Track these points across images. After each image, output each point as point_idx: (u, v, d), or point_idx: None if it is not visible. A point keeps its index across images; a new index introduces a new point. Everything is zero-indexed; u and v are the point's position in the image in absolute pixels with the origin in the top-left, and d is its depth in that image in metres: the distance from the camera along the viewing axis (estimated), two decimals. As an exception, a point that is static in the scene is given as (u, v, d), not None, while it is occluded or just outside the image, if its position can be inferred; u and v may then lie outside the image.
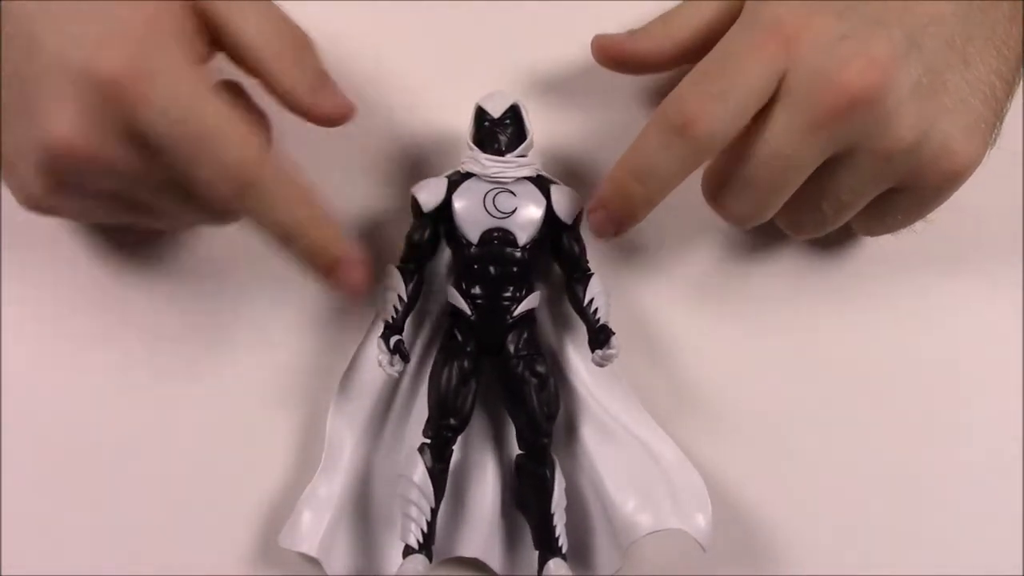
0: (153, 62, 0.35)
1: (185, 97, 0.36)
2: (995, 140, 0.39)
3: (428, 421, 0.41)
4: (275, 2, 0.40)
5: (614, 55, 0.43)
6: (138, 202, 0.38)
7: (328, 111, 0.40)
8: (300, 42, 0.40)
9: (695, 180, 0.45)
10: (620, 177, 0.39)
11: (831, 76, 0.36)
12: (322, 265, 0.38)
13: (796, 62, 0.37)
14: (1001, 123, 0.39)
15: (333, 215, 0.38)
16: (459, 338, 0.41)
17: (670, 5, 0.43)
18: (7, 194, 0.39)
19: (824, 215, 0.40)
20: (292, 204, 0.37)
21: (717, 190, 0.40)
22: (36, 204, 0.38)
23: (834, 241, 0.45)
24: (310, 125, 0.45)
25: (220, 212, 0.39)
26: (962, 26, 0.38)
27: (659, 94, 0.45)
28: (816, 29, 0.37)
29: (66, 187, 0.37)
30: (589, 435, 0.43)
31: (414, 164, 0.45)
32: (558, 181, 0.42)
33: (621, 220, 0.40)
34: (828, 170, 0.38)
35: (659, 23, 0.42)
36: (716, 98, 0.37)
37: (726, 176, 0.39)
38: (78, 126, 0.35)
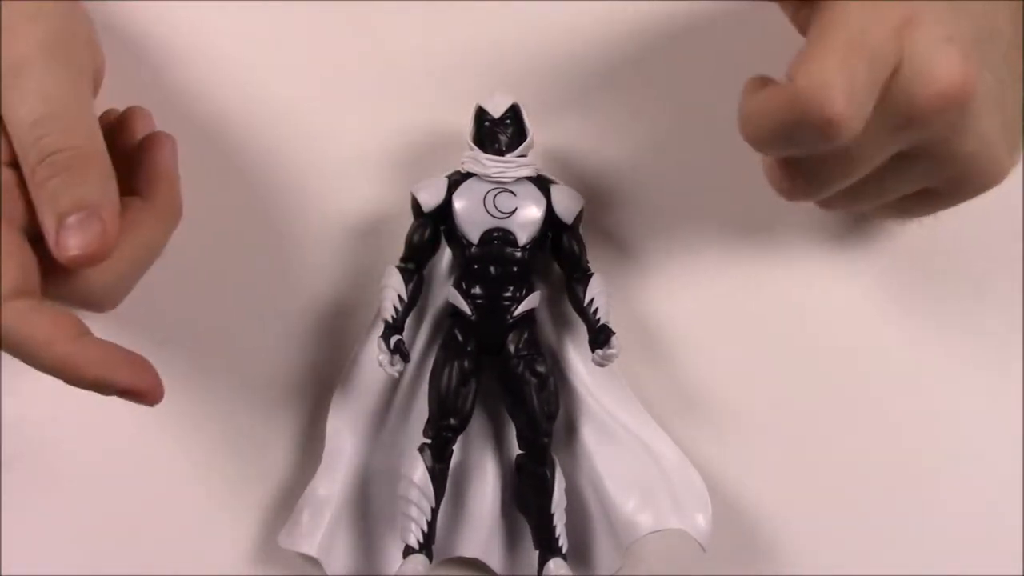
0: None
1: None
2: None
3: (428, 421, 0.41)
4: None
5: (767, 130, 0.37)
6: None
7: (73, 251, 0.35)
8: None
9: (697, 180, 0.45)
10: (748, 133, 0.35)
11: (934, 75, 0.34)
12: (108, 392, 0.36)
13: (908, 51, 0.34)
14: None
15: (93, 343, 0.35)
16: (459, 338, 0.41)
17: (671, 5, 0.44)
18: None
19: (860, 196, 0.39)
20: (34, 347, 0.34)
21: (789, 169, 0.37)
22: None
23: (838, 242, 0.45)
24: (309, 125, 0.45)
25: None
26: (1012, 41, 0.37)
27: (660, 93, 0.45)
28: (927, 22, 0.34)
29: None
30: (589, 435, 0.43)
31: (414, 164, 0.45)
32: (558, 181, 0.42)
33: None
34: (887, 163, 0.37)
35: None
36: (856, 95, 0.33)
37: (801, 157, 0.37)
38: None
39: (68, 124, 0.36)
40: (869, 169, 0.37)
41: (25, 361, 0.35)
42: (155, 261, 0.39)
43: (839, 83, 0.33)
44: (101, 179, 0.36)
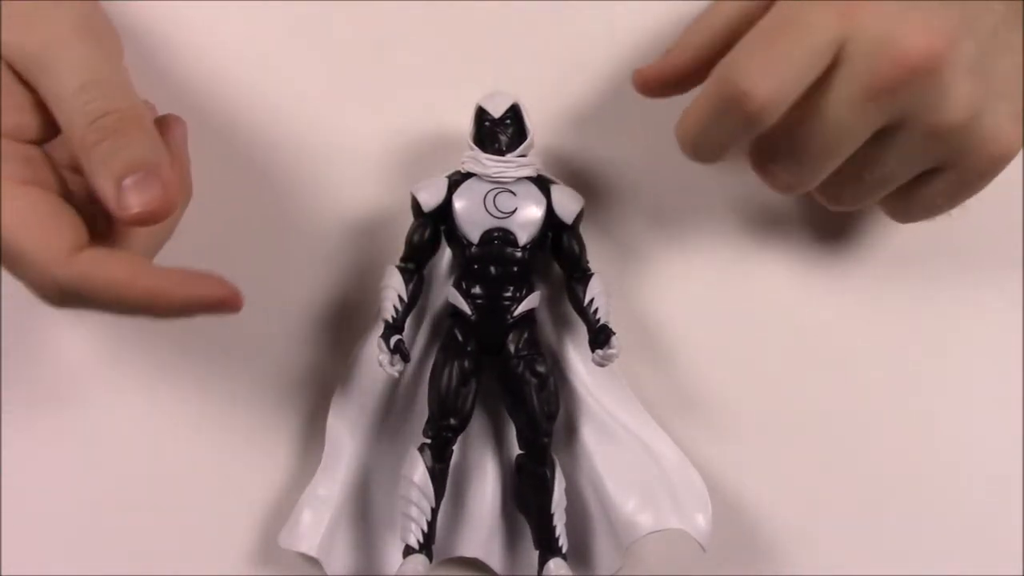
0: None
1: None
2: None
3: (428, 421, 0.41)
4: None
5: (655, 80, 0.41)
6: None
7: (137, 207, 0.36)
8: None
9: (697, 180, 0.45)
10: (680, 137, 0.38)
11: (893, 43, 0.35)
12: (196, 311, 0.36)
13: (857, 29, 0.35)
14: None
15: (159, 271, 0.36)
16: (459, 338, 0.41)
17: (671, 4, 0.44)
18: None
19: (865, 186, 0.39)
20: (118, 289, 0.35)
21: (764, 157, 0.39)
22: None
23: (838, 242, 0.45)
24: (309, 126, 0.45)
25: None
26: (1005, 14, 0.37)
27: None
28: None
29: None
30: (589, 435, 0.43)
31: (414, 164, 0.45)
32: (558, 181, 0.42)
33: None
34: (876, 141, 0.38)
35: (693, 26, 0.41)
36: (772, 69, 0.35)
37: (775, 143, 0.38)
38: None
39: (111, 89, 0.36)
40: (851, 147, 0.37)
41: (109, 309, 0.35)
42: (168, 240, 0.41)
43: (753, 63, 0.35)
44: (150, 140, 0.36)
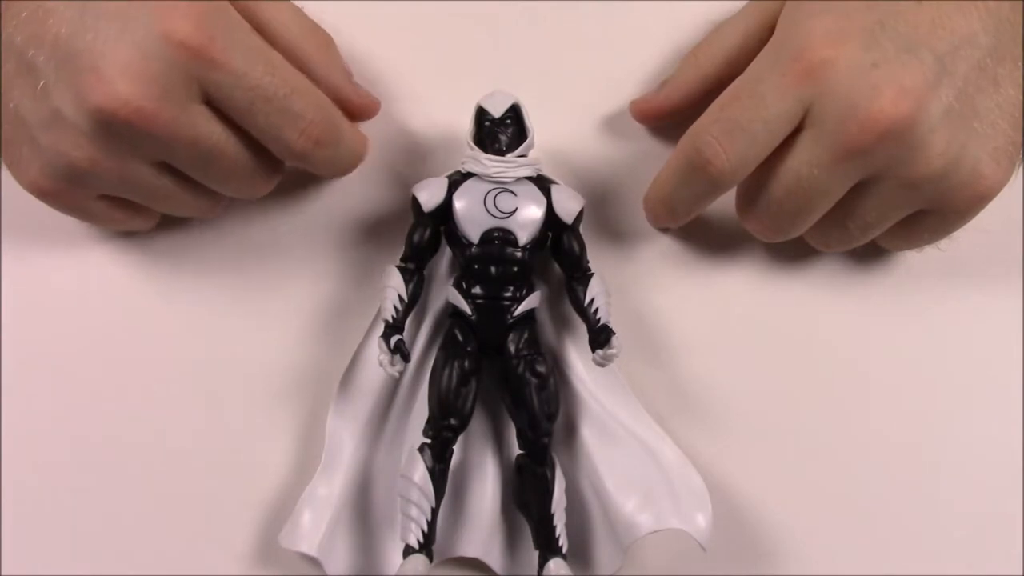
0: (222, 28, 0.36)
1: (261, 62, 0.37)
2: (1022, 161, 0.39)
3: (428, 421, 0.41)
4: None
5: (652, 114, 0.43)
6: (153, 186, 0.39)
7: (364, 102, 0.43)
8: (328, 40, 0.42)
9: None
10: (650, 201, 0.42)
11: (860, 107, 0.35)
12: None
13: (824, 92, 0.36)
14: None
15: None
16: (459, 338, 0.41)
17: (671, 4, 0.44)
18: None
19: (850, 234, 0.40)
20: (357, 146, 0.41)
21: (747, 207, 0.41)
22: (54, 181, 0.38)
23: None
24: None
25: (248, 187, 0.40)
26: (993, 46, 0.37)
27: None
28: (845, 58, 0.36)
29: (107, 157, 0.37)
30: (589, 435, 0.43)
31: (414, 164, 0.45)
32: (558, 181, 0.42)
33: (671, 226, 0.43)
34: (855, 194, 0.38)
35: (688, 62, 0.43)
36: (735, 134, 0.37)
37: (755, 195, 0.40)
38: (146, 88, 0.35)
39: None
40: (827, 203, 0.38)
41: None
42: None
43: (714, 131, 0.37)
44: None
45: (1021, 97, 0.37)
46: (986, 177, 0.37)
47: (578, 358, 0.43)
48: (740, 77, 0.38)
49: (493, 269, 0.41)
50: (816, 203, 0.38)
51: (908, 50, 0.36)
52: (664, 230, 0.45)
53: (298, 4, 0.42)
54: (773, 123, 0.37)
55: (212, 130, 0.37)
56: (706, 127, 0.38)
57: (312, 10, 0.42)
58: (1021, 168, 0.40)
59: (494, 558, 0.43)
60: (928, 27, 0.36)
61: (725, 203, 0.45)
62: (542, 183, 0.42)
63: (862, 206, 0.39)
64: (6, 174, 0.40)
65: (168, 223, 0.44)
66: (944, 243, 0.42)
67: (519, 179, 0.41)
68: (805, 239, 0.42)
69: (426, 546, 0.40)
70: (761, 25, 0.40)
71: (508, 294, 0.41)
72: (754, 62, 0.38)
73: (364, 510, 0.43)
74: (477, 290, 0.41)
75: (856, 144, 0.36)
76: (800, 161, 0.37)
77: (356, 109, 0.42)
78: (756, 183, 0.39)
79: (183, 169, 0.39)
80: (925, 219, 0.40)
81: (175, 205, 0.41)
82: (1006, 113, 0.37)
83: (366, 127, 0.44)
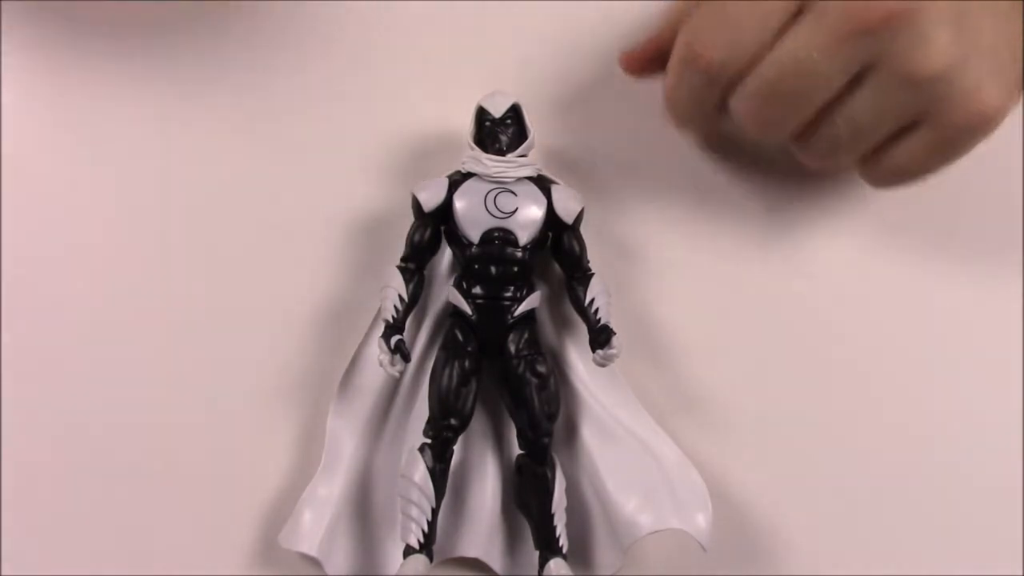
0: None
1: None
2: (1020, 99, 0.38)
3: (429, 421, 0.41)
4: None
5: (640, 60, 0.43)
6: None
7: None
8: None
9: (697, 181, 0.46)
10: (665, 103, 0.41)
11: None
12: None
13: None
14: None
15: None
16: (460, 338, 0.41)
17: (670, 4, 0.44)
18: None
19: (839, 140, 0.39)
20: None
21: (739, 93, 0.39)
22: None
23: (839, 244, 0.45)
24: (310, 125, 0.45)
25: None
26: None
27: (660, 93, 0.45)
28: None
29: None
30: (589, 435, 0.43)
31: (415, 164, 0.45)
32: (559, 181, 0.42)
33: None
34: (852, 89, 0.38)
35: (671, 6, 0.42)
36: (726, 26, 0.37)
37: (749, 81, 0.38)
38: None
39: None
40: (827, 89, 0.38)
41: None
42: None
43: (704, 27, 0.38)
44: None
45: (1021, 34, 0.38)
46: (987, 95, 0.37)
47: (578, 358, 0.43)
48: None
49: (493, 269, 0.41)
50: (811, 90, 0.38)
51: None
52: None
53: (299, 4, 0.42)
54: (768, 15, 0.37)
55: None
56: (698, 23, 0.38)
57: (312, 10, 0.42)
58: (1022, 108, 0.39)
59: (494, 558, 0.43)
60: None
61: (725, 203, 0.45)
62: (542, 183, 0.42)
63: (856, 102, 0.38)
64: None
65: (168, 223, 0.44)
66: (944, 238, 0.41)
67: (519, 179, 0.41)
68: (793, 146, 0.41)
69: (426, 546, 0.40)
70: None
71: (508, 294, 0.41)
72: None
73: (364, 510, 0.43)
74: (477, 290, 0.41)
75: (859, 25, 0.36)
76: (799, 44, 0.37)
77: None
78: (751, 70, 0.38)
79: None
80: (916, 137, 0.38)
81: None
82: (1008, 44, 0.37)
83: (366, 127, 0.44)
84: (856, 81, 0.37)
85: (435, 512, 0.41)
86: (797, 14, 0.37)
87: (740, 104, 0.39)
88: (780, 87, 0.38)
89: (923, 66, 0.36)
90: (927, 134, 0.38)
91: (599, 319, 0.41)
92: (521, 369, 0.41)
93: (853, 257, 0.45)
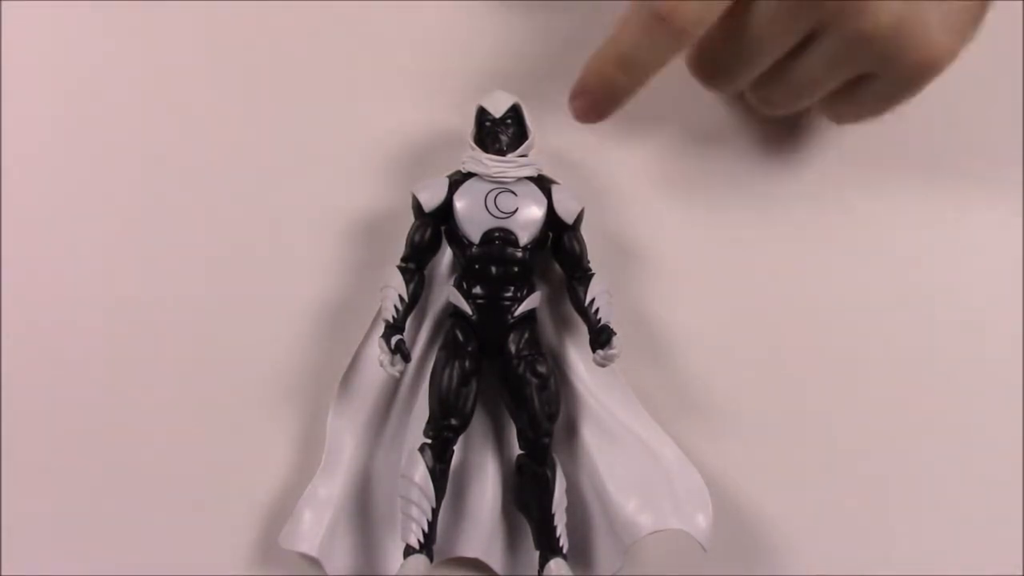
0: None
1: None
2: (972, 38, 0.39)
3: (429, 421, 0.41)
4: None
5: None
6: None
7: None
8: None
9: (697, 180, 0.45)
10: (602, 66, 0.39)
11: None
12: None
13: None
14: (979, 24, 0.39)
15: None
16: (460, 338, 0.41)
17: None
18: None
19: (795, 90, 0.40)
20: None
21: (698, 58, 0.40)
22: None
23: (840, 244, 0.45)
24: (310, 125, 0.45)
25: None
26: None
27: (660, 93, 0.45)
28: None
29: None
30: (590, 435, 0.43)
31: (415, 164, 0.45)
32: (559, 181, 0.42)
33: (604, 107, 0.40)
34: (804, 47, 0.38)
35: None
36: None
37: (709, 47, 0.39)
38: None
39: None
40: (780, 48, 0.38)
41: None
42: None
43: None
44: None
45: None
46: (935, 44, 0.38)
47: (579, 358, 0.43)
48: None
49: (494, 269, 0.41)
50: (767, 46, 0.38)
51: None
52: (593, 120, 0.40)
53: (299, 4, 0.42)
54: None
55: None
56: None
57: (313, 10, 0.42)
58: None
59: (494, 558, 0.43)
60: None
61: (726, 203, 0.45)
62: (543, 183, 0.42)
63: (809, 58, 0.39)
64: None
65: (170, 223, 0.44)
66: (944, 238, 0.41)
67: (520, 179, 0.41)
68: (751, 97, 0.42)
69: (426, 546, 0.40)
70: None
71: (509, 294, 0.41)
72: None
73: (364, 510, 0.43)
74: (478, 290, 0.41)
75: None
76: (755, 8, 0.37)
77: None
78: (712, 32, 0.39)
79: None
80: (871, 84, 0.40)
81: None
82: None
83: (366, 127, 0.44)
84: (807, 40, 0.38)
85: (435, 512, 0.41)
86: None
87: (695, 59, 0.40)
88: (738, 52, 0.39)
89: (870, 24, 0.37)
90: (878, 84, 0.39)
91: (599, 319, 0.41)
92: (521, 369, 0.41)
93: (854, 258, 0.45)
